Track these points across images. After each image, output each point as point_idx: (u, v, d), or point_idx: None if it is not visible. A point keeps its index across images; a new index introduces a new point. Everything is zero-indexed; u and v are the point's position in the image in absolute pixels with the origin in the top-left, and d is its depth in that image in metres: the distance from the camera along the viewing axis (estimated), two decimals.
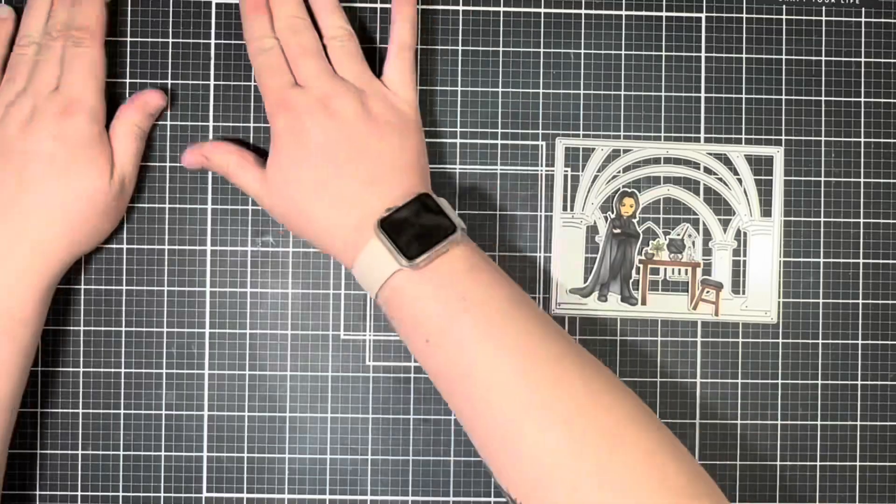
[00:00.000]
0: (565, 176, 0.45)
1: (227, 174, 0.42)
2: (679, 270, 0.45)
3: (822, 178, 0.46)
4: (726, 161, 0.46)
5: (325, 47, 0.42)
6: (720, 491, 0.34)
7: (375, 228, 0.38)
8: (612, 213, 0.45)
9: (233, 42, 0.45)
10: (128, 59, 0.45)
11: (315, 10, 0.43)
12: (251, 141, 0.45)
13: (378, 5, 0.45)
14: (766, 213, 0.46)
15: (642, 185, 0.46)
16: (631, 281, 0.45)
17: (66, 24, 0.42)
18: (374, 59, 0.45)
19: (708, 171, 0.46)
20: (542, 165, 0.45)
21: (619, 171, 0.46)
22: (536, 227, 0.45)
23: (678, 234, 0.45)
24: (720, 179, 0.46)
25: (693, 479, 0.34)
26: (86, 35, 0.42)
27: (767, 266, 0.45)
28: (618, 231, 0.45)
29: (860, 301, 0.46)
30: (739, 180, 0.46)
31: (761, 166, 0.46)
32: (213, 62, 0.45)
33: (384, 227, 0.37)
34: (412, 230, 0.37)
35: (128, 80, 0.45)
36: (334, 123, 0.39)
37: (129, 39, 0.45)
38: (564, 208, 0.45)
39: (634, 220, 0.45)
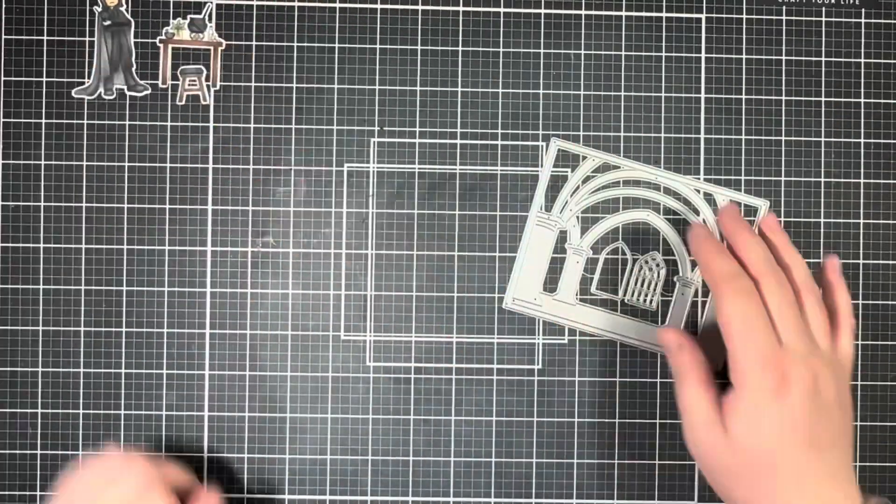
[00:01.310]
0: (551, 177, 0.45)
1: (679, 378, 0.39)
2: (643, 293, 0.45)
3: (822, 179, 0.46)
4: (713, 202, 0.45)
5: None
6: None
7: None
8: (99, 6, 0.43)
9: (232, 42, 0.45)
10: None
11: (778, 253, 0.40)
12: (251, 142, 0.45)
13: (378, 6, 0.45)
14: None
15: (623, 205, 0.45)
16: (133, 69, 0.43)
17: None
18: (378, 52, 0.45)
19: (688, 204, 0.45)
20: (541, 166, 0.45)
21: (605, 185, 0.45)
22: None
23: (647, 261, 0.45)
24: (702, 218, 0.45)
25: None
26: None
27: None
28: (108, 23, 0.42)
29: (860, 301, 0.46)
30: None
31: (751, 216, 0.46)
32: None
33: None
34: None
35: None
36: (818, 404, 0.37)
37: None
38: (542, 208, 0.45)
39: (122, 9, 0.43)
